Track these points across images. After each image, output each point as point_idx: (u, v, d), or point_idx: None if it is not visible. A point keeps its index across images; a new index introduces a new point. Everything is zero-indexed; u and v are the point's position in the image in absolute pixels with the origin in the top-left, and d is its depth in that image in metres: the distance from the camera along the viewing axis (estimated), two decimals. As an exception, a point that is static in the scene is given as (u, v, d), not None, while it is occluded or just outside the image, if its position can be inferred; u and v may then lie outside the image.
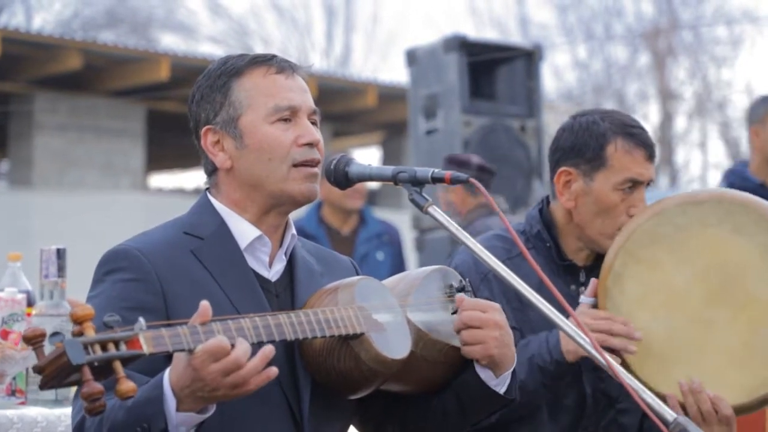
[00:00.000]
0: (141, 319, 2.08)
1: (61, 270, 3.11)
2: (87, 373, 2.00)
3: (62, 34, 17.21)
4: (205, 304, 2.16)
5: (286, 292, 2.51)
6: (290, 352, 2.42)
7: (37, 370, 2.03)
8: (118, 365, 2.03)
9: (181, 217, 2.54)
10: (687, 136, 26.93)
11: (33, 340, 2.02)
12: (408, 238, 7.76)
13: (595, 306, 3.03)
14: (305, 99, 2.51)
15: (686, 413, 2.96)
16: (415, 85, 7.64)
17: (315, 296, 2.45)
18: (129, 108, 15.89)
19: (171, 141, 17.45)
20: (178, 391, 2.17)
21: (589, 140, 3.13)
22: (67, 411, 2.95)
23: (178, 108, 16.14)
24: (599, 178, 3.12)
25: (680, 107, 26.78)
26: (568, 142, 3.17)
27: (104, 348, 2.02)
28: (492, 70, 7.63)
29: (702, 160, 27.17)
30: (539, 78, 7.73)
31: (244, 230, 2.49)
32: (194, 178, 22.84)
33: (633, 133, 3.13)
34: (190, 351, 2.12)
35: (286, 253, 2.54)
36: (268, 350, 2.16)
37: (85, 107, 15.60)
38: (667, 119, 26.22)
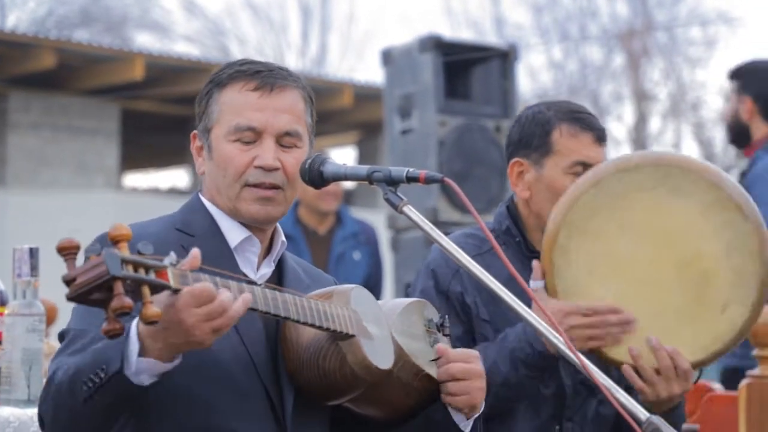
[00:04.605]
0: (172, 253, 2.09)
1: (34, 269, 3.09)
2: (119, 287, 1.99)
3: (36, 32, 17.13)
4: (195, 251, 2.17)
5: None
6: (273, 352, 2.43)
7: (68, 279, 2.01)
8: (146, 290, 2.03)
9: (172, 214, 2.56)
10: (661, 136, 27.06)
11: (67, 250, 2.02)
12: (383, 237, 7.76)
13: (545, 287, 3.05)
14: (274, 120, 2.48)
15: (641, 377, 2.99)
16: (391, 85, 7.64)
17: (307, 297, 2.44)
18: (103, 107, 15.82)
19: (145, 140, 17.40)
20: (144, 336, 2.15)
21: (535, 129, 3.20)
22: (39, 411, 2.94)
23: (153, 107, 16.10)
24: (548, 165, 3.17)
25: (655, 108, 26.91)
26: (516, 135, 3.24)
27: (136, 270, 2.03)
28: (467, 70, 7.63)
29: (676, 161, 27.25)
30: (514, 78, 7.74)
31: (233, 230, 2.50)
32: (169, 178, 22.78)
33: (578, 117, 3.19)
34: (175, 291, 2.11)
35: (274, 260, 2.55)
36: (248, 297, 2.18)
37: (59, 106, 15.53)
38: (641, 120, 26.33)
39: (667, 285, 3.03)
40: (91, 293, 2.00)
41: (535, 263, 3.07)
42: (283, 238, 2.57)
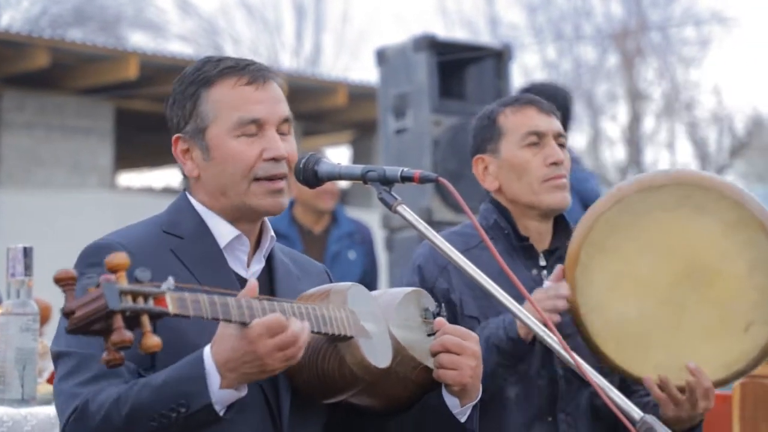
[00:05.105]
0: (171, 278, 2.08)
1: (27, 268, 3.09)
2: (119, 320, 1.98)
3: (30, 31, 17.11)
4: (253, 282, 2.20)
5: (264, 293, 2.49)
6: None
7: (67, 311, 2.00)
8: (146, 319, 2.02)
9: (159, 215, 2.54)
10: (655, 136, 27.07)
11: (64, 281, 2.00)
12: (378, 237, 7.76)
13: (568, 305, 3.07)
14: (274, 110, 2.48)
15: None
16: (385, 84, 7.64)
17: (305, 296, 2.44)
18: (97, 106, 15.80)
19: (139, 139, 17.38)
20: (221, 367, 2.17)
21: (484, 123, 3.32)
22: (33, 410, 2.93)
23: (147, 106, 16.07)
24: (504, 148, 3.26)
25: (649, 108, 26.92)
26: (471, 139, 3.36)
27: (134, 300, 2.02)
28: (461, 69, 7.63)
29: (670, 161, 27.32)
30: (509, 78, 7.74)
31: (222, 229, 2.49)
32: (163, 177, 22.75)
33: (518, 98, 3.33)
34: (244, 324, 2.14)
35: (264, 256, 2.54)
36: (307, 324, 2.22)
37: (53, 105, 15.51)
38: (635, 120, 26.34)
39: (689, 304, 3.03)
40: (91, 325, 2.00)
41: (558, 267, 3.10)
42: (272, 233, 2.56)
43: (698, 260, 3.03)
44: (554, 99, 5.87)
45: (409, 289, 2.61)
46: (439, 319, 2.53)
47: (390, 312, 2.50)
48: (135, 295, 2.02)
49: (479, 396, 2.55)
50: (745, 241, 3.01)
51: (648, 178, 3.11)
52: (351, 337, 2.35)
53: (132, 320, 2.01)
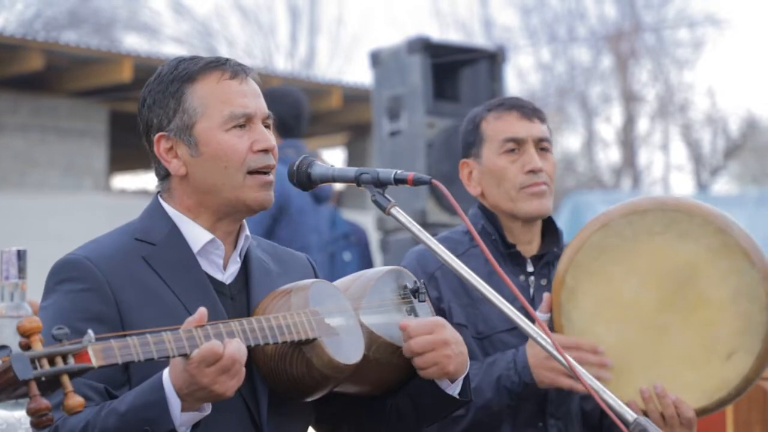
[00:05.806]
0: (90, 332, 2.06)
1: (21, 271, 3.09)
2: (33, 388, 1.97)
3: (24, 34, 17.08)
4: (202, 311, 2.19)
5: (241, 294, 2.51)
6: (247, 359, 2.42)
7: None
8: (65, 380, 2.00)
9: (132, 222, 2.53)
10: (649, 138, 27.09)
11: None
12: (373, 239, 7.77)
13: (551, 321, 3.06)
14: (259, 104, 2.50)
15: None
16: (379, 86, 7.64)
17: (268, 299, 2.44)
18: (91, 109, 15.78)
19: (134, 142, 17.32)
20: (179, 392, 2.19)
21: (469, 127, 3.33)
22: (27, 413, 2.93)
23: (142, 109, 16.05)
24: (485, 153, 3.28)
25: (643, 109, 26.94)
26: (460, 143, 3.37)
27: (52, 362, 1.99)
28: (456, 71, 7.64)
29: (664, 162, 27.35)
30: (503, 80, 7.75)
31: (196, 234, 2.48)
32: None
33: (502, 102, 3.32)
34: (186, 356, 2.14)
35: (240, 255, 2.53)
36: (238, 341, 2.22)
37: (47, 108, 15.49)
38: (629, 121, 26.36)
39: (672, 329, 3.03)
40: (10, 393, 2.00)
41: (545, 296, 3.10)
42: (248, 232, 2.55)
43: (683, 285, 3.03)
44: (282, 102, 6.15)
45: (387, 268, 2.60)
46: (401, 323, 2.51)
47: (362, 298, 2.48)
48: (52, 357, 1.99)
49: (468, 368, 2.55)
50: (729, 267, 3.01)
51: (634, 202, 3.12)
52: (314, 339, 2.34)
53: (53, 382, 1.99)
